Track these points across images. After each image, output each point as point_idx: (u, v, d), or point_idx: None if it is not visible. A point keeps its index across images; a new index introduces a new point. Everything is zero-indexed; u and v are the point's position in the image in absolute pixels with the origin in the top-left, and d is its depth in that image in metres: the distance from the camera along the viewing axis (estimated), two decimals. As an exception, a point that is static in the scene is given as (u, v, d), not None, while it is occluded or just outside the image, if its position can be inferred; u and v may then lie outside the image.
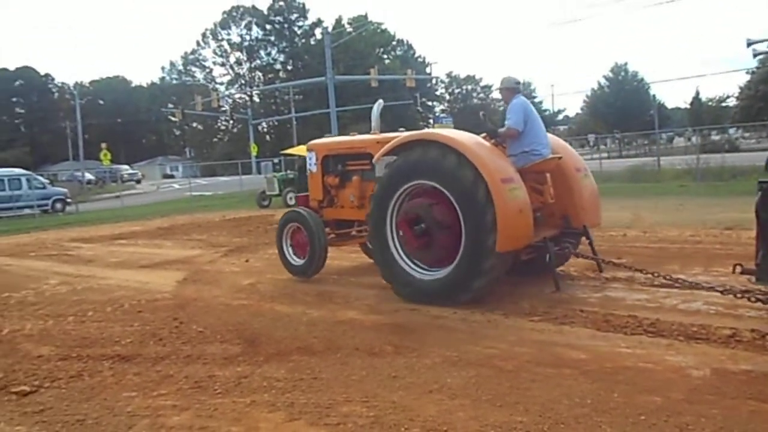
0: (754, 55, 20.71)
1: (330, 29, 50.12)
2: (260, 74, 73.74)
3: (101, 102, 79.86)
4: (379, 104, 8.28)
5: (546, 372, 4.09)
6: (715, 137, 37.10)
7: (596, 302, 5.74)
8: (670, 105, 65.94)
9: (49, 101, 76.90)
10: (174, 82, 76.11)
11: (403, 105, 46.40)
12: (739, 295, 4.89)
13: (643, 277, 6.00)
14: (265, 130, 70.61)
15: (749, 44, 20.13)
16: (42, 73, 77.64)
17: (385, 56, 71.49)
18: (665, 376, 3.90)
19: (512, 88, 6.48)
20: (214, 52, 73.11)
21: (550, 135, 6.69)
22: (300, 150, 16.75)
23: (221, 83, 72.99)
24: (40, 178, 29.23)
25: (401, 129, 7.97)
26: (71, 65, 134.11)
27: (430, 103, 71.83)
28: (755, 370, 3.92)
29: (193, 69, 75.02)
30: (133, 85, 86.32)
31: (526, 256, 6.26)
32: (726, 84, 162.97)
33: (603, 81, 61.34)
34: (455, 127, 9.82)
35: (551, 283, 6.11)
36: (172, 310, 6.49)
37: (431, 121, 50.57)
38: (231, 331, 5.56)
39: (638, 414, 3.39)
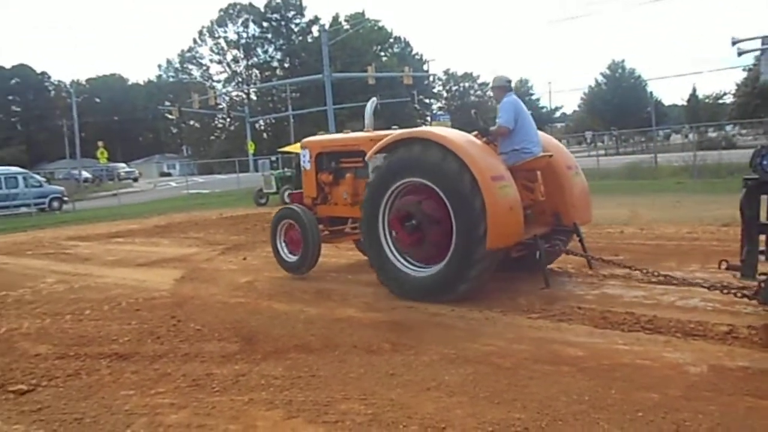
0: (739, 54, 20.59)
1: (327, 27, 50.24)
2: (257, 72, 73.70)
3: (98, 100, 79.72)
4: (372, 102, 8.26)
5: (544, 369, 4.09)
6: (712, 134, 37.22)
7: (593, 299, 5.76)
8: (667, 102, 66.42)
9: (46, 99, 76.70)
10: (171, 79, 76.01)
11: (400, 102, 46.38)
12: (725, 291, 4.95)
13: (639, 273, 6.02)
14: (262, 127, 70.64)
15: (734, 43, 19.97)
16: (38, 71, 77.60)
17: (383, 54, 71.52)
18: (662, 373, 3.90)
19: (503, 87, 6.51)
20: (211, 50, 73.24)
21: (541, 133, 6.73)
22: (297, 148, 16.63)
23: (218, 81, 73.21)
24: (37, 176, 29.07)
25: (394, 126, 7.97)
26: (68, 63, 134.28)
27: (427, 101, 71.79)
28: (752, 366, 3.93)
29: (190, 67, 75.08)
30: (129, 83, 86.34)
31: (516, 254, 6.31)
32: (723, 81, 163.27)
33: (600, 78, 61.59)
34: (453, 125, 9.81)
35: (542, 280, 6.13)
36: (170, 309, 6.48)
37: (429, 118, 50.50)
38: (228, 329, 5.56)
39: (636, 410, 3.40)
